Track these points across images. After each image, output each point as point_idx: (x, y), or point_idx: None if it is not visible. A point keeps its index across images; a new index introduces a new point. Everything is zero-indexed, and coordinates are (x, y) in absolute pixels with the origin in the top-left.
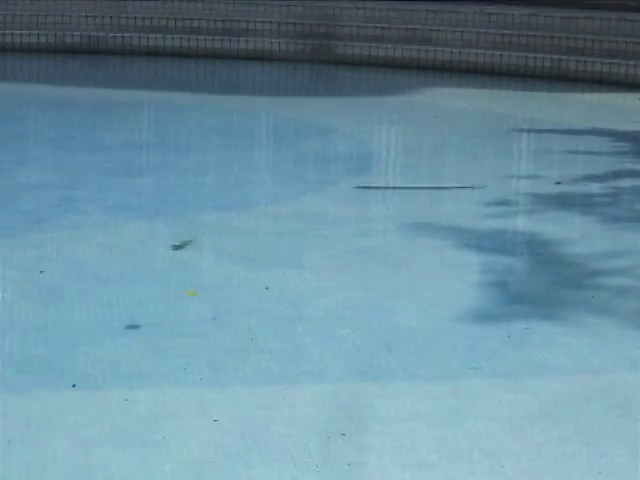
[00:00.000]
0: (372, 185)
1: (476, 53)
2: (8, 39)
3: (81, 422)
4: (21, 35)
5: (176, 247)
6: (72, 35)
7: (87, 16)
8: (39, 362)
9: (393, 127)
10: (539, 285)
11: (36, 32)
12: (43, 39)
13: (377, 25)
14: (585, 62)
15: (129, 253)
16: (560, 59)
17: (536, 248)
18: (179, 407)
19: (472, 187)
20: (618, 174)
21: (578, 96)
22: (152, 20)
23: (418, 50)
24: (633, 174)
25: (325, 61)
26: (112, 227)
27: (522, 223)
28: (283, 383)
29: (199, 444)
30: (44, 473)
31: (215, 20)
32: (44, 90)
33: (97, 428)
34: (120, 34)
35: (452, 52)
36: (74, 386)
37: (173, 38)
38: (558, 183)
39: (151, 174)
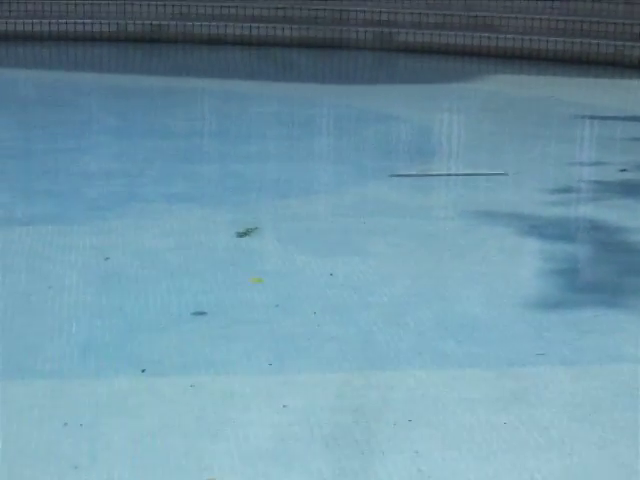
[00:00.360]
0: (406, 173)
1: (538, 40)
2: (71, 28)
3: (147, 407)
4: (84, 24)
5: (240, 234)
6: (134, 23)
7: (149, 4)
8: (106, 348)
9: (454, 114)
10: (605, 273)
11: (98, 21)
12: (105, 27)
13: (439, 12)
14: None
15: (193, 240)
16: (624, 45)
17: (601, 236)
18: (246, 393)
19: (505, 174)
20: None
21: None
22: (214, 8)
23: (480, 37)
24: None
25: (387, 49)
26: (176, 214)
27: (587, 210)
28: (349, 370)
29: (267, 430)
30: (110, 457)
31: (277, 8)
32: (106, 78)
33: (164, 413)
34: (182, 22)
35: (514, 39)
36: (143, 371)
37: (235, 26)
38: (623, 170)
39: (214, 162)
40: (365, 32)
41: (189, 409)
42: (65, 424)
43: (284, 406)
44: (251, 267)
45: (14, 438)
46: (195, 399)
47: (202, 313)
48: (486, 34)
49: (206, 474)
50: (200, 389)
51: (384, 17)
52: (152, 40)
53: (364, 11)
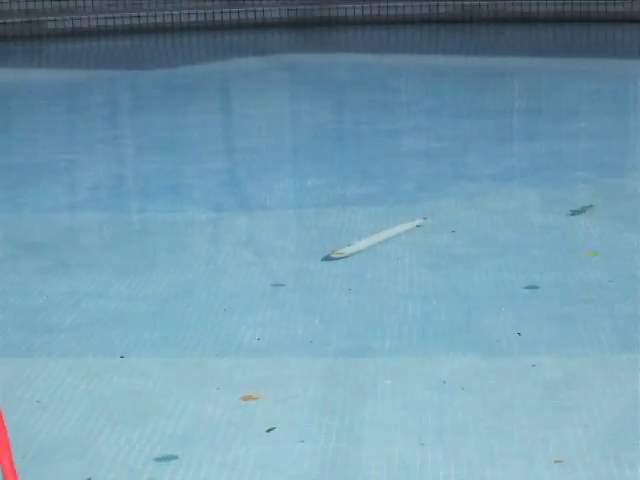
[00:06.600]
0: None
1: None
2: (383, 11)
3: (490, 386)
4: (396, 7)
5: (575, 212)
6: (445, 5)
7: None
8: (446, 328)
9: None
10: None
11: (410, 3)
12: (417, 10)
13: None
14: None
15: (524, 217)
16: None
17: None
18: (588, 374)
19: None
20: None
21: None
22: None
23: None
24: None
25: None
26: (504, 193)
27: None
28: None
29: (610, 413)
30: (455, 436)
31: None
32: (418, 60)
33: (507, 392)
34: (493, 2)
35: None
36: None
37: (547, 4)
38: None
39: (535, 140)
40: None
41: (530, 390)
42: (405, 402)
43: (623, 389)
44: (584, 244)
45: (350, 411)
46: (537, 378)
47: (535, 288)
48: None
49: (553, 455)
50: (541, 368)
51: None
52: (463, 21)
53: None
